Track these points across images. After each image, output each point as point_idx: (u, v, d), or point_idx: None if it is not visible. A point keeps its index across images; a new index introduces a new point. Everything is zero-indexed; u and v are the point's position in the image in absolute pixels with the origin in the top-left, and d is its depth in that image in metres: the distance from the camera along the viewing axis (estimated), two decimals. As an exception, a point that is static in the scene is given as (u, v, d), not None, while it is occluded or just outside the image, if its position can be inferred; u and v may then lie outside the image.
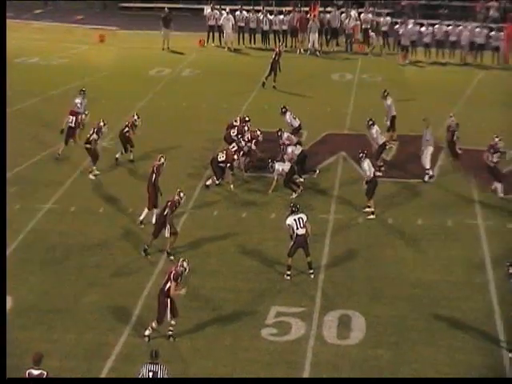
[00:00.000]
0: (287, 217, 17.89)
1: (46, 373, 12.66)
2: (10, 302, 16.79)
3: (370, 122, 23.24)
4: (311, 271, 17.87)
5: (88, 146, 22.95)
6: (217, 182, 22.30)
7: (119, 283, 17.68)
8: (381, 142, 23.18)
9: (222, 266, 18.48)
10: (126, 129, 24.08)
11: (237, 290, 17.42)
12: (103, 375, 14.62)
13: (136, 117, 24.42)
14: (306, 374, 14.73)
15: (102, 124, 23.22)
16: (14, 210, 20.80)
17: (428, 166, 23.02)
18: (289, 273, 17.78)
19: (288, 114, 24.98)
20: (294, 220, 17.70)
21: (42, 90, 31.64)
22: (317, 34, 38.37)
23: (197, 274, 17.99)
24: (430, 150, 23.02)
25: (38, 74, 34.61)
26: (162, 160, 20.20)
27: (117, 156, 24.07)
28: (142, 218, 20.03)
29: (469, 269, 18.22)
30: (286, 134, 23.40)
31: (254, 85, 32.81)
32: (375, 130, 23.16)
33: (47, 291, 17.33)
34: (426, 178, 22.97)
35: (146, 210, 19.92)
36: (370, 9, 40.24)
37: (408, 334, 15.85)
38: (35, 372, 12.67)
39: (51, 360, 13.82)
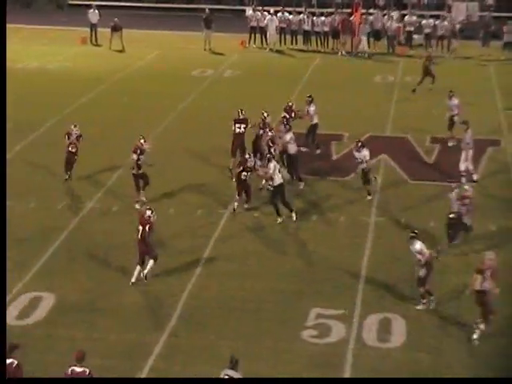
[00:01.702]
0: (412, 243, 16.61)
1: (88, 370, 12.76)
2: (52, 299, 16.99)
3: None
4: (432, 298, 16.77)
5: (137, 171, 21.01)
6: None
7: (160, 283, 17.76)
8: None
9: (261, 267, 18.49)
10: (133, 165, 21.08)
11: (276, 292, 17.41)
12: (143, 375, 14.71)
13: (143, 140, 21.29)
14: (346, 377, 14.69)
15: (142, 142, 21.13)
16: (58, 209, 20.99)
17: (472, 167, 22.88)
18: (424, 301, 16.68)
19: (313, 106, 24.86)
20: (423, 245, 16.55)
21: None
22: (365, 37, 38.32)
23: (236, 275, 18.06)
24: (470, 153, 22.83)
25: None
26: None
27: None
28: None
29: (506, 273, 18.01)
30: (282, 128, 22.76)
31: (295, 86, 32.79)
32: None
33: (90, 290, 17.47)
34: (475, 178, 22.78)
35: None
36: (412, 10, 40.11)
37: (449, 338, 15.74)
38: (78, 369, 12.77)
39: (92, 358, 13.91)
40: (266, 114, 23.42)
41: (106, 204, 21.36)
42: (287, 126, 22.80)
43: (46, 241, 19.50)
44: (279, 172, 20.24)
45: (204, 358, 15.11)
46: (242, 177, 20.71)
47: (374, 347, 15.49)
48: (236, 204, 21.00)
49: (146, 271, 17.57)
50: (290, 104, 25.12)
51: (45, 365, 14.63)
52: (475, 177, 22.99)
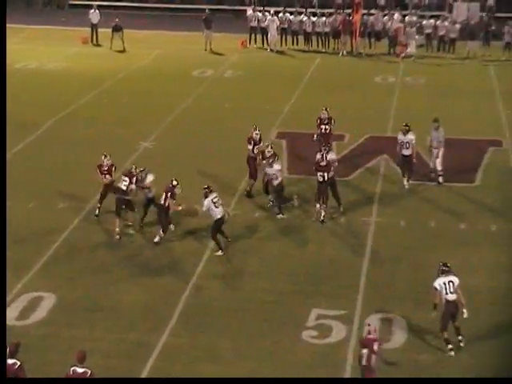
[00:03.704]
0: (436, 278, 15.27)
1: (90, 371, 12.75)
2: (53, 299, 16.98)
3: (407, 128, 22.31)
4: (460, 337, 15.41)
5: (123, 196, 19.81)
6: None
7: (161, 283, 17.76)
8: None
9: (262, 267, 18.48)
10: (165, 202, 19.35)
11: (278, 292, 17.40)
12: (144, 375, 14.70)
13: (175, 182, 19.37)
14: (346, 377, 14.68)
15: (174, 183, 19.35)
16: (58, 209, 20.99)
17: (441, 168, 22.74)
18: (451, 347, 15.23)
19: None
20: (444, 283, 15.10)
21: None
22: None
23: (237, 274, 18.06)
24: (441, 151, 22.68)
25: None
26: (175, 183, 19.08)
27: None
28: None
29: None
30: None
31: (296, 86, 32.80)
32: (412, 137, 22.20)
33: (90, 290, 17.47)
34: (441, 180, 22.71)
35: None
36: (413, 11, 40.13)
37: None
38: (79, 370, 12.75)
39: (93, 358, 13.91)
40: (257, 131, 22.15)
41: (106, 204, 21.30)
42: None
43: (46, 241, 19.49)
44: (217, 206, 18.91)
45: (204, 358, 15.10)
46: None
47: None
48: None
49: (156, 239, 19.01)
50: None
51: (46, 364, 14.63)
52: (441, 179, 22.67)
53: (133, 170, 19.93)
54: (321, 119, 23.84)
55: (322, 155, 20.53)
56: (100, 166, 20.52)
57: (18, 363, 12.83)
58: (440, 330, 15.24)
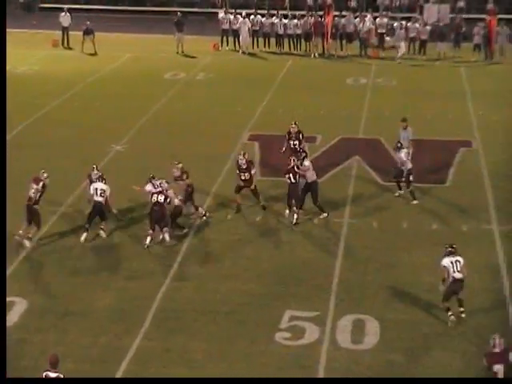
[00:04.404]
0: (443, 257, 16.13)
1: (62, 376, 12.67)
2: (24, 304, 16.86)
3: (399, 145, 22.04)
4: (462, 309, 16.31)
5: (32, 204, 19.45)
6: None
7: (133, 286, 17.70)
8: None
9: (236, 269, 18.47)
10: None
11: (251, 294, 17.40)
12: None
13: (45, 175, 19.65)
14: (319, 377, 14.70)
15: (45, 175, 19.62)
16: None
17: (410, 166, 22.71)
18: (451, 313, 16.12)
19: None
20: (451, 262, 15.95)
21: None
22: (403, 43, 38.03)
23: (211, 277, 18.03)
24: (410, 151, 22.56)
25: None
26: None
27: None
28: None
29: (484, 275, 18.13)
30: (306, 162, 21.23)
31: (268, 88, 32.84)
32: (403, 153, 21.86)
33: (62, 294, 17.37)
34: (411, 179, 22.73)
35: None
36: (384, 13, 40.33)
37: (423, 339, 15.79)
38: (52, 374, 12.66)
39: (66, 363, 13.85)
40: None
41: (78, 208, 21.21)
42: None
43: (16, 246, 19.34)
44: None
45: (178, 361, 15.07)
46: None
47: (347, 349, 15.51)
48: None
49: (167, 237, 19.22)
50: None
51: (18, 370, 14.50)
52: (411, 178, 22.26)
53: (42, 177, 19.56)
54: (289, 133, 23.17)
55: (295, 162, 20.54)
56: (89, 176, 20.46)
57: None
58: (442, 300, 16.10)
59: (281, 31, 39.69)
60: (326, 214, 20.87)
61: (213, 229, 20.41)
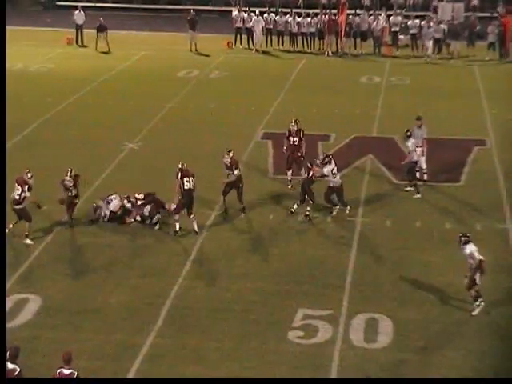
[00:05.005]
0: (464, 246, 16.27)
1: (76, 373, 12.69)
2: (38, 301, 16.92)
3: (408, 134, 22.05)
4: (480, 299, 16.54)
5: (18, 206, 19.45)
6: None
7: (147, 284, 17.73)
8: (415, 158, 21.85)
9: (249, 268, 18.47)
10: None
11: (263, 293, 17.39)
12: (130, 376, 14.64)
13: (29, 175, 19.56)
14: (332, 377, 14.68)
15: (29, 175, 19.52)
16: (42, 210, 20.90)
17: (425, 166, 22.82)
18: (481, 300, 16.45)
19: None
20: (474, 248, 16.23)
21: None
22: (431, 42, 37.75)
23: (223, 275, 18.04)
24: (425, 149, 22.61)
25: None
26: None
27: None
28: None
29: (498, 274, 18.06)
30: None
31: (281, 87, 32.83)
32: (411, 142, 21.90)
33: (75, 291, 17.42)
34: (426, 178, 22.79)
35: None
36: (398, 11, 40.27)
37: (436, 338, 15.75)
38: (66, 371, 12.68)
39: (79, 360, 13.87)
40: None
41: (91, 205, 21.26)
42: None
43: (27, 244, 19.40)
44: None
45: (190, 360, 15.08)
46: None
47: (360, 348, 15.49)
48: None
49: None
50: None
51: (31, 367, 14.51)
52: (425, 177, 22.81)
53: (25, 177, 19.48)
54: (289, 131, 22.92)
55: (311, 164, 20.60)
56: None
57: (18, 370, 12.68)
58: (469, 288, 16.31)
59: (294, 29, 39.69)
60: (337, 207, 20.97)
61: (226, 227, 20.43)
